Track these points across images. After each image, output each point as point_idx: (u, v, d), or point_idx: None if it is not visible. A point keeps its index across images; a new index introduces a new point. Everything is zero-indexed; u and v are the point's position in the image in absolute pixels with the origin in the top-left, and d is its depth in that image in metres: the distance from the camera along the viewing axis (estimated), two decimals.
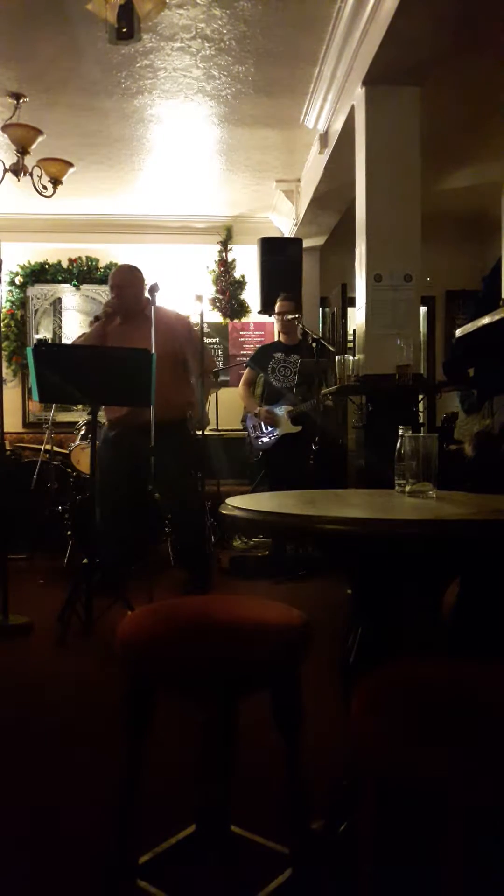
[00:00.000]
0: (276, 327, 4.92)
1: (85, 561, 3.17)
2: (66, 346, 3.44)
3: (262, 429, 4.67)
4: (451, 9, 3.07)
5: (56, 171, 4.45)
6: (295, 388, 4.61)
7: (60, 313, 6.86)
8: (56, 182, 4.47)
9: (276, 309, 4.84)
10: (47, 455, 5.01)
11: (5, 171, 4.31)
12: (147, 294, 3.59)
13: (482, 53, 3.73)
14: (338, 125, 4.36)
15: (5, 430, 3.51)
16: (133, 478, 3.63)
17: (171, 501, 3.89)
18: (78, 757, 2.02)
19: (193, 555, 3.90)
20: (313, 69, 4.20)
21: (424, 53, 3.43)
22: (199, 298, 3.97)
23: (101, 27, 3.16)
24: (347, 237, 4.36)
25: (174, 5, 3.51)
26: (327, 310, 6.97)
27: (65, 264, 6.82)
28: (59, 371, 3.04)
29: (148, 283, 3.61)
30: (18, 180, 4.32)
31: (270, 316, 5.73)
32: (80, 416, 5.43)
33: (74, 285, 6.84)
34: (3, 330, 6.60)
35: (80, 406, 5.42)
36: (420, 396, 3.88)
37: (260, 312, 6.24)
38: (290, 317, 4.66)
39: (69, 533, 4.59)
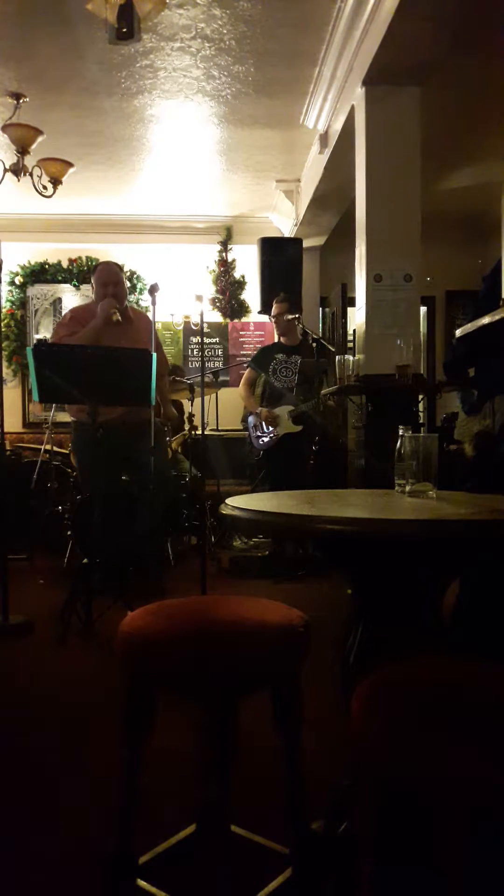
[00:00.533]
0: (276, 330, 4.91)
1: (85, 561, 3.17)
2: (66, 346, 3.41)
3: (262, 429, 4.67)
4: (451, 9, 3.07)
5: (56, 171, 4.45)
6: (295, 388, 4.62)
7: (60, 313, 6.86)
8: (56, 182, 4.47)
9: (273, 312, 4.84)
10: (47, 455, 5.01)
11: (5, 171, 4.31)
12: (148, 293, 3.59)
13: (482, 53, 3.73)
14: (338, 125, 4.36)
15: (5, 430, 3.51)
16: (114, 476, 3.62)
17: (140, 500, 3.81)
18: (78, 757, 2.02)
19: (154, 557, 3.83)
20: (313, 69, 4.20)
21: (424, 53, 3.43)
22: (199, 298, 3.96)
23: (101, 27, 3.17)
24: (347, 237, 4.36)
25: (174, 5, 3.51)
26: (327, 310, 6.97)
27: (65, 264, 6.83)
28: (59, 371, 3.04)
29: (148, 283, 3.62)
30: (18, 180, 4.32)
31: (270, 319, 5.73)
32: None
33: (74, 285, 6.84)
34: (3, 330, 6.60)
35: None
36: (420, 396, 3.89)
37: (260, 312, 6.24)
38: (289, 317, 4.65)
39: (69, 533, 4.58)
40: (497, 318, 1.83)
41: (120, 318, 3.62)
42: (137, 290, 6.78)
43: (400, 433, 1.53)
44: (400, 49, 3.36)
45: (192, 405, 5.14)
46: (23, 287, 6.79)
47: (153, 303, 3.47)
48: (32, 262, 6.80)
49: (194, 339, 6.94)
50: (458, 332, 2.16)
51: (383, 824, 0.90)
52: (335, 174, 4.82)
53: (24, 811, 1.74)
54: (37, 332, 6.83)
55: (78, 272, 6.81)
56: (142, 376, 3.09)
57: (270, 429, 4.62)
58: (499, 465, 2.22)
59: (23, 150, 4.25)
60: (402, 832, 0.90)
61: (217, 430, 5.84)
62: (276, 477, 4.64)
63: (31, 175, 4.37)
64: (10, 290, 6.73)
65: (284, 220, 6.50)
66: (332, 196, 5.30)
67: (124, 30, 2.72)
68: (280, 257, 5.90)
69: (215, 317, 6.97)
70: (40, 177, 4.44)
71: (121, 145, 5.21)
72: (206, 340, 6.95)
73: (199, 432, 3.96)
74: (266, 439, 4.65)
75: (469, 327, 2.06)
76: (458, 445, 3.46)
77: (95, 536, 3.32)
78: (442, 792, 0.79)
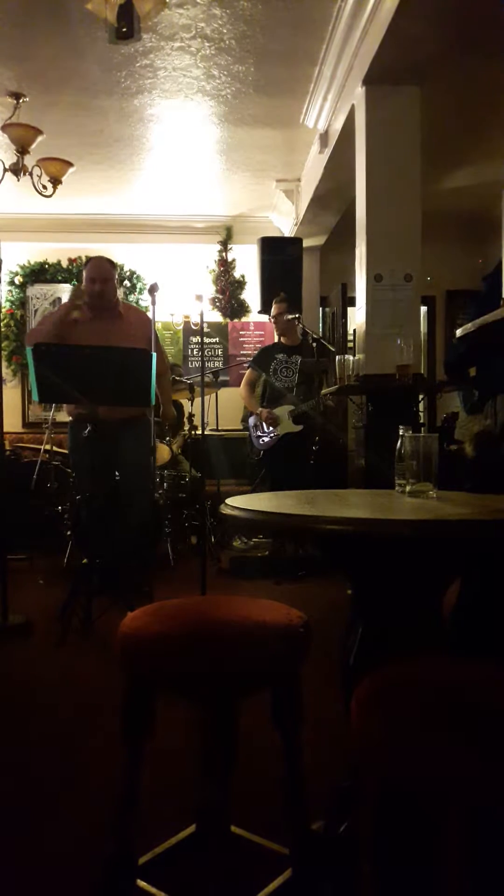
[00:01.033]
0: (275, 330, 4.91)
1: (85, 561, 3.17)
2: (66, 346, 3.37)
3: (262, 429, 4.67)
4: (451, 9, 3.07)
5: (56, 171, 4.45)
6: (295, 388, 4.62)
7: None
8: (56, 182, 4.47)
9: (272, 312, 4.83)
10: (47, 455, 5.01)
11: (5, 170, 4.31)
12: (147, 293, 3.58)
13: (482, 53, 3.72)
14: (338, 125, 4.36)
15: (5, 430, 3.51)
16: (104, 475, 3.59)
17: (125, 495, 3.72)
18: (78, 757, 2.02)
19: (140, 558, 3.76)
20: (313, 69, 4.20)
21: (424, 53, 3.43)
22: (199, 298, 3.96)
23: (101, 27, 3.16)
24: (347, 237, 4.36)
25: (174, 5, 3.51)
26: (327, 310, 6.97)
27: (65, 264, 6.83)
28: (59, 371, 3.03)
29: (148, 283, 3.61)
30: (18, 180, 4.32)
31: (270, 319, 5.73)
32: None
33: (74, 285, 6.84)
34: (3, 330, 6.60)
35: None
36: (420, 396, 3.88)
37: (260, 312, 6.24)
38: (289, 317, 4.66)
39: (69, 533, 4.59)
40: (498, 317, 1.83)
41: (78, 314, 3.48)
42: (137, 290, 6.78)
43: (400, 433, 1.53)
44: (400, 49, 3.36)
45: (192, 405, 5.14)
46: (23, 287, 6.78)
47: (153, 303, 3.47)
48: (32, 262, 6.80)
49: (194, 339, 6.93)
50: (459, 332, 2.16)
51: (383, 824, 0.90)
52: (335, 174, 4.82)
53: (24, 811, 1.74)
54: None
55: (78, 272, 6.80)
56: (142, 376, 3.08)
57: (271, 429, 4.62)
58: (499, 465, 2.21)
59: (22, 150, 4.24)
60: (402, 832, 0.90)
61: (217, 430, 5.84)
62: (276, 477, 4.64)
63: (30, 175, 4.37)
64: (10, 290, 6.73)
65: (284, 220, 6.50)
66: (332, 196, 5.30)
67: (124, 29, 2.71)
68: (280, 257, 5.90)
69: (215, 317, 6.97)
70: (40, 177, 4.44)
71: (121, 145, 5.21)
72: (206, 340, 6.95)
73: (199, 432, 3.95)
74: (266, 439, 4.65)
75: (469, 327, 2.06)
76: (459, 445, 3.46)
77: (90, 536, 3.32)
78: (442, 792, 0.79)
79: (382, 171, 3.80)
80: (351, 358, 3.86)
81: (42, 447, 5.07)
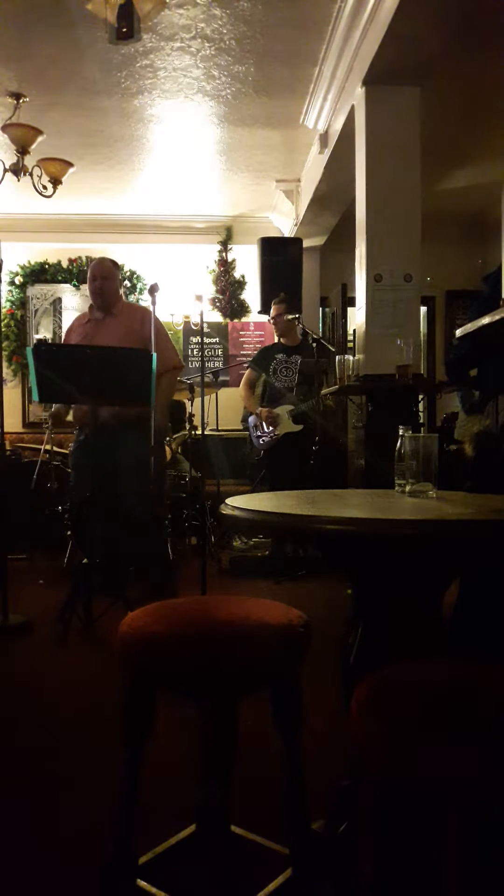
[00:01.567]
0: (275, 331, 4.91)
1: (85, 561, 3.17)
2: (66, 345, 3.39)
3: (262, 429, 4.67)
4: (451, 9, 3.07)
5: (56, 171, 4.45)
6: (295, 388, 4.62)
7: (60, 313, 6.86)
8: (56, 182, 4.47)
9: (271, 313, 4.84)
10: (47, 455, 5.01)
11: (5, 171, 4.31)
12: (148, 293, 3.58)
13: (482, 53, 3.73)
14: (338, 125, 4.36)
15: (5, 430, 3.51)
16: (102, 478, 3.58)
17: (129, 503, 3.62)
18: (78, 756, 2.02)
19: (153, 560, 3.77)
20: (313, 69, 4.20)
21: (424, 53, 3.43)
22: (199, 298, 3.97)
23: (101, 27, 3.16)
24: (347, 237, 4.36)
25: (174, 5, 3.51)
26: (327, 310, 6.97)
27: (65, 264, 6.83)
28: (59, 371, 3.04)
29: (148, 283, 3.60)
30: (18, 180, 4.32)
31: (269, 320, 5.74)
32: None
33: (74, 285, 6.84)
34: (3, 330, 6.60)
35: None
36: (420, 396, 3.88)
37: (260, 312, 6.24)
38: (288, 317, 4.66)
39: (69, 533, 4.58)
40: (497, 317, 1.83)
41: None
42: (137, 290, 6.78)
43: (400, 433, 1.53)
44: (400, 49, 3.36)
45: (191, 405, 5.14)
46: (23, 287, 6.78)
47: (153, 303, 3.47)
48: (32, 262, 6.80)
49: (194, 339, 6.93)
50: (459, 332, 2.16)
51: (383, 824, 0.90)
52: (335, 174, 4.82)
53: (24, 811, 1.74)
54: (37, 332, 6.83)
55: (78, 272, 6.81)
56: (141, 376, 3.08)
57: (270, 429, 4.62)
58: (499, 465, 2.22)
59: (23, 150, 4.25)
60: (402, 832, 0.90)
61: (217, 430, 5.84)
62: (276, 477, 4.64)
63: (30, 175, 4.37)
64: (10, 290, 6.73)
65: (284, 220, 6.50)
66: (332, 196, 5.30)
67: (124, 29, 2.72)
68: (280, 257, 5.90)
69: (215, 317, 6.97)
70: (40, 177, 4.44)
71: (121, 145, 5.21)
72: (206, 340, 6.95)
73: (199, 432, 3.94)
74: (266, 439, 4.65)
75: (469, 327, 2.06)
76: (458, 445, 3.46)
77: (91, 536, 3.32)
78: (442, 792, 0.79)
79: (382, 171, 3.80)
80: (351, 358, 3.86)
81: (42, 447, 5.07)
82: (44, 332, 6.82)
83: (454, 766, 0.79)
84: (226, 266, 6.96)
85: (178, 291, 6.41)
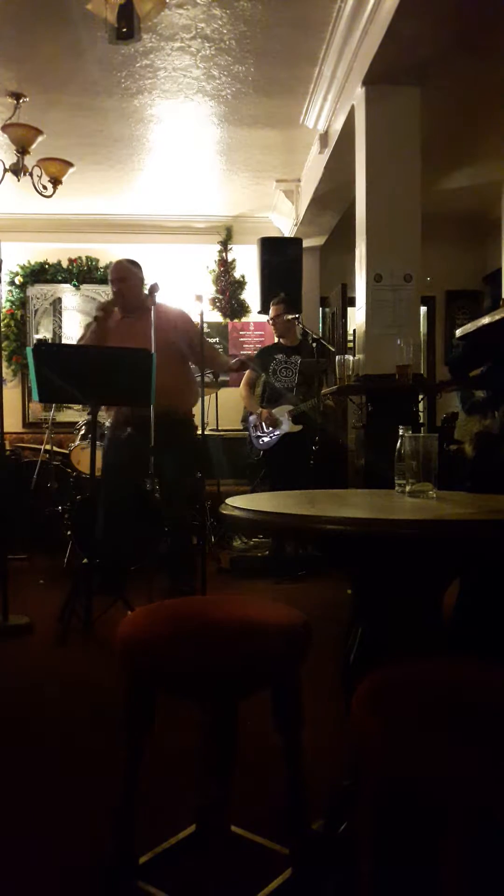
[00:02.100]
0: (274, 332, 4.91)
1: (85, 561, 3.17)
2: (66, 345, 3.40)
3: (262, 429, 4.67)
4: (451, 9, 3.08)
5: (56, 171, 4.45)
6: (295, 388, 4.62)
7: (60, 313, 6.86)
8: (56, 182, 4.47)
9: (270, 314, 4.83)
10: (47, 455, 5.01)
11: (5, 171, 4.31)
12: (148, 293, 3.57)
13: (482, 53, 3.72)
14: (338, 125, 4.36)
15: (5, 430, 3.51)
16: (135, 476, 3.61)
17: (166, 500, 3.73)
18: (78, 757, 2.02)
19: (180, 558, 3.78)
20: (313, 69, 4.20)
21: (424, 53, 3.44)
22: (199, 298, 3.96)
23: (101, 27, 3.16)
24: (347, 237, 4.36)
25: (174, 5, 3.51)
26: (327, 310, 6.97)
27: (65, 264, 6.83)
28: (59, 371, 3.03)
29: (148, 283, 3.60)
30: (18, 180, 4.32)
31: (268, 321, 5.73)
32: (80, 416, 5.43)
33: (74, 285, 6.84)
34: (3, 330, 6.60)
35: (79, 406, 5.42)
36: (420, 396, 3.88)
37: (260, 312, 6.24)
38: (288, 317, 4.66)
39: (69, 533, 4.58)
40: (497, 317, 1.84)
41: (100, 314, 3.54)
42: None
43: (400, 433, 1.53)
44: (400, 49, 3.36)
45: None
46: (23, 287, 6.78)
47: (153, 303, 3.47)
48: (32, 262, 6.80)
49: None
50: (459, 332, 2.16)
51: (383, 824, 0.90)
52: (335, 174, 4.82)
53: (24, 811, 1.74)
54: (37, 332, 6.83)
55: (78, 272, 6.81)
56: (141, 376, 3.08)
57: (270, 429, 4.62)
58: (499, 465, 2.22)
59: (23, 150, 4.25)
60: (402, 832, 0.90)
61: (217, 430, 5.84)
62: (276, 477, 4.64)
63: (31, 175, 4.37)
64: (10, 290, 6.73)
65: (284, 220, 6.50)
66: (332, 196, 5.30)
67: (124, 30, 2.72)
68: (280, 257, 5.90)
69: (215, 317, 6.96)
70: (40, 177, 4.44)
71: (121, 145, 5.21)
72: (207, 340, 6.93)
73: (199, 432, 3.94)
74: (266, 439, 4.65)
75: (469, 327, 2.06)
76: (458, 445, 3.46)
77: (100, 536, 3.33)
78: (442, 792, 0.79)
79: (382, 172, 3.80)
80: (351, 358, 3.86)
81: (42, 447, 5.07)
82: (44, 333, 6.82)
83: (454, 765, 0.79)
84: (226, 266, 6.96)
85: (178, 291, 6.39)
